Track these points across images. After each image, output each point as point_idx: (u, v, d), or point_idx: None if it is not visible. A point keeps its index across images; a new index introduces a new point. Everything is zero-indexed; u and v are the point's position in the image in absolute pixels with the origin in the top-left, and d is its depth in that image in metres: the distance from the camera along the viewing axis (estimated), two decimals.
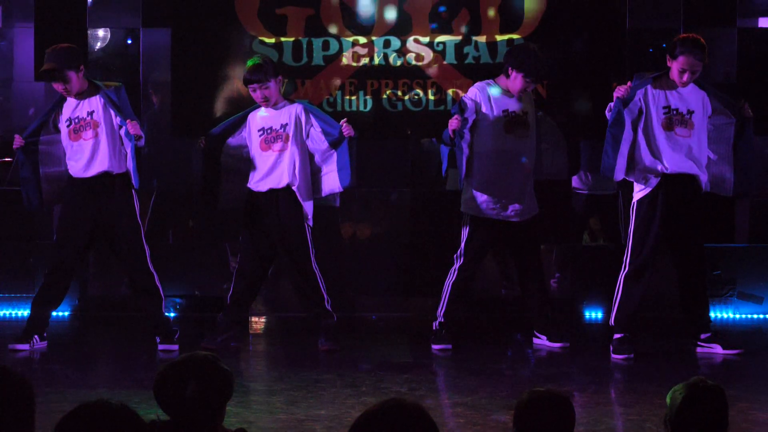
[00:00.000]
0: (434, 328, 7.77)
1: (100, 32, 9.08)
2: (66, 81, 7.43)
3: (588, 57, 8.78)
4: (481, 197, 7.66)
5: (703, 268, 7.62)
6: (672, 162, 7.34)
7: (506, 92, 7.69)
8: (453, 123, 7.50)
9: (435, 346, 7.70)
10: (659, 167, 7.34)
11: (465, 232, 7.72)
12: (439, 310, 7.76)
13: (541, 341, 7.84)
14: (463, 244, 7.72)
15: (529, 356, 7.68)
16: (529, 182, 7.76)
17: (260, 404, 6.11)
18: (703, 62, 7.32)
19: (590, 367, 7.22)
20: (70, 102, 7.53)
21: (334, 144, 7.53)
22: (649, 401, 6.10)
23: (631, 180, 7.47)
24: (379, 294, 9.16)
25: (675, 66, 7.34)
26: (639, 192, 7.45)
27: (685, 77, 7.33)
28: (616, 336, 7.47)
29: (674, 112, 7.37)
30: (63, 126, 7.54)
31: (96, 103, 7.51)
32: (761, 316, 8.89)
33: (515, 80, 7.64)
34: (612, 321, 7.50)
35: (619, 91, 7.33)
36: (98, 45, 9.08)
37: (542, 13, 8.74)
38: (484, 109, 7.64)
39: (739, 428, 5.62)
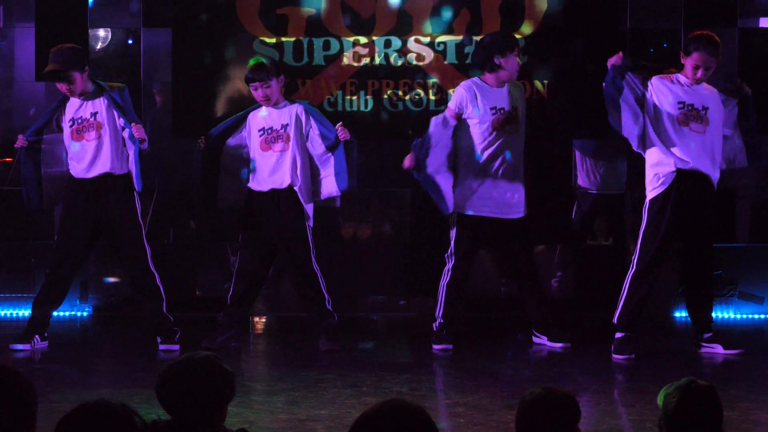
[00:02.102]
0: (434, 329, 7.77)
1: (101, 32, 9.08)
2: (70, 82, 7.43)
3: (588, 57, 8.78)
4: (468, 195, 7.65)
5: (710, 268, 7.61)
6: (686, 157, 7.33)
7: (495, 87, 7.68)
8: (406, 162, 7.63)
9: (436, 347, 7.70)
10: (673, 162, 7.33)
11: (453, 232, 7.73)
12: (437, 311, 7.76)
13: (542, 341, 7.84)
14: (452, 244, 7.73)
15: (529, 356, 7.68)
16: (518, 179, 7.75)
17: (261, 404, 6.11)
18: (716, 58, 7.34)
19: (591, 367, 7.22)
20: (74, 102, 7.53)
21: (331, 147, 7.54)
22: (650, 401, 6.08)
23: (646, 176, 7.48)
24: (379, 294, 9.16)
25: (689, 62, 7.36)
26: (652, 191, 7.43)
27: (699, 73, 7.34)
28: (618, 335, 7.47)
29: (689, 107, 7.37)
30: (66, 126, 7.54)
31: (100, 104, 7.51)
32: (762, 316, 8.89)
33: (510, 62, 7.64)
34: (615, 319, 7.49)
35: (612, 60, 7.37)
36: (99, 45, 9.08)
37: (543, 13, 8.74)
38: (470, 109, 7.63)
39: (739, 428, 5.63)
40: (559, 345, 7.78)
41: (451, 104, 7.72)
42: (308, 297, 7.66)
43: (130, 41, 9.12)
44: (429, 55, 8.79)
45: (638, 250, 7.43)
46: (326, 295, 7.61)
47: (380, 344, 8.13)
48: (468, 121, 7.66)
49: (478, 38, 8.75)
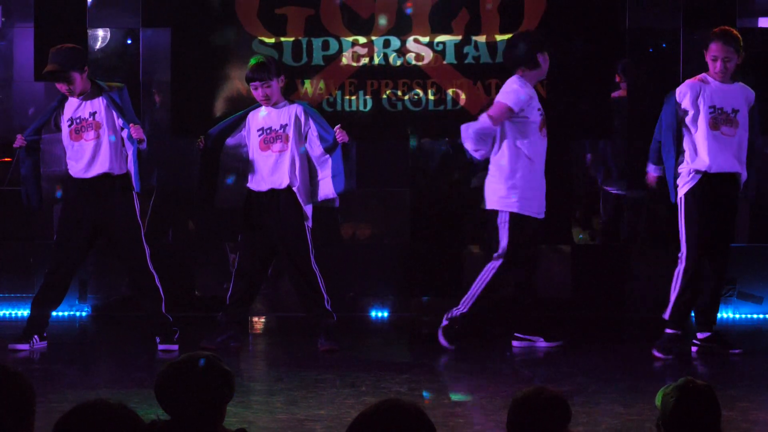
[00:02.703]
0: (452, 316, 7.58)
1: (100, 32, 9.09)
2: (70, 82, 7.43)
3: (588, 57, 8.78)
4: (524, 195, 7.59)
5: (725, 269, 7.60)
6: (718, 161, 7.33)
7: (535, 89, 7.67)
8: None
9: (444, 341, 7.61)
10: (704, 166, 7.33)
11: (506, 231, 7.58)
12: (466, 301, 7.59)
13: (528, 344, 7.79)
14: (505, 243, 7.57)
15: (529, 356, 7.67)
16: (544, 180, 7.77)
17: (260, 404, 6.11)
18: (734, 50, 7.34)
19: (591, 367, 7.21)
20: (72, 101, 7.53)
21: (329, 149, 7.53)
22: (649, 401, 6.06)
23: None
24: (379, 294, 9.16)
25: (708, 56, 7.38)
26: (684, 186, 7.39)
27: (718, 66, 7.33)
28: (669, 331, 7.40)
29: (719, 111, 7.36)
30: (64, 125, 7.54)
31: (99, 104, 7.51)
32: (761, 315, 8.89)
33: (546, 60, 7.65)
34: (666, 315, 7.41)
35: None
36: (98, 45, 9.08)
37: (542, 12, 8.75)
38: (527, 110, 7.58)
39: (739, 428, 5.62)
40: (555, 344, 7.77)
41: (510, 103, 7.52)
42: (307, 297, 7.65)
43: (128, 41, 9.12)
44: (428, 55, 8.79)
45: (684, 245, 7.36)
46: (325, 295, 7.60)
47: (380, 344, 8.12)
48: (522, 120, 7.61)
49: (476, 38, 8.75)
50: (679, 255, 7.42)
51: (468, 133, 7.61)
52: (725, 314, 8.84)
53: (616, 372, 7.17)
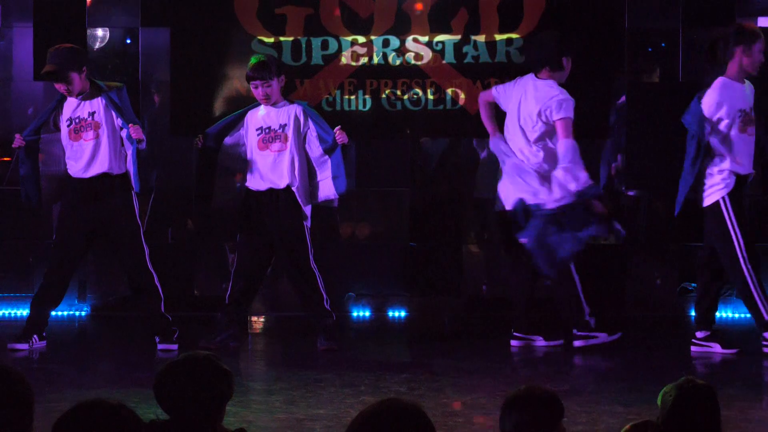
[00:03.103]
0: (593, 323, 7.61)
1: (99, 32, 9.08)
2: (69, 82, 7.43)
3: (587, 57, 8.77)
4: None
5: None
6: (745, 162, 7.33)
7: None
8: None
9: (610, 337, 7.59)
10: (741, 169, 7.32)
11: None
12: (585, 305, 7.62)
13: (523, 343, 7.78)
14: None
15: (528, 356, 7.68)
16: None
17: (259, 404, 6.11)
18: None
19: (590, 367, 7.22)
20: (71, 101, 7.53)
21: (328, 150, 7.53)
22: (649, 401, 6.08)
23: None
24: (379, 294, 9.16)
25: (752, 52, 7.28)
26: (724, 188, 7.33)
27: (762, 60, 7.31)
28: None
29: (744, 113, 7.34)
30: (63, 125, 7.54)
31: (98, 104, 7.51)
32: None
33: (568, 65, 7.62)
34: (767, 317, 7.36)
35: None
36: (97, 44, 9.08)
37: (541, 12, 8.74)
38: None
39: (737, 427, 5.63)
40: (555, 343, 7.78)
41: (572, 114, 7.51)
42: (307, 297, 7.65)
43: (128, 41, 9.12)
44: (427, 54, 8.79)
45: (742, 246, 7.29)
46: (324, 295, 7.60)
47: (379, 344, 8.12)
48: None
49: (476, 38, 8.74)
50: (739, 259, 7.28)
51: (575, 172, 7.43)
52: (725, 314, 8.83)
53: (615, 372, 7.17)
